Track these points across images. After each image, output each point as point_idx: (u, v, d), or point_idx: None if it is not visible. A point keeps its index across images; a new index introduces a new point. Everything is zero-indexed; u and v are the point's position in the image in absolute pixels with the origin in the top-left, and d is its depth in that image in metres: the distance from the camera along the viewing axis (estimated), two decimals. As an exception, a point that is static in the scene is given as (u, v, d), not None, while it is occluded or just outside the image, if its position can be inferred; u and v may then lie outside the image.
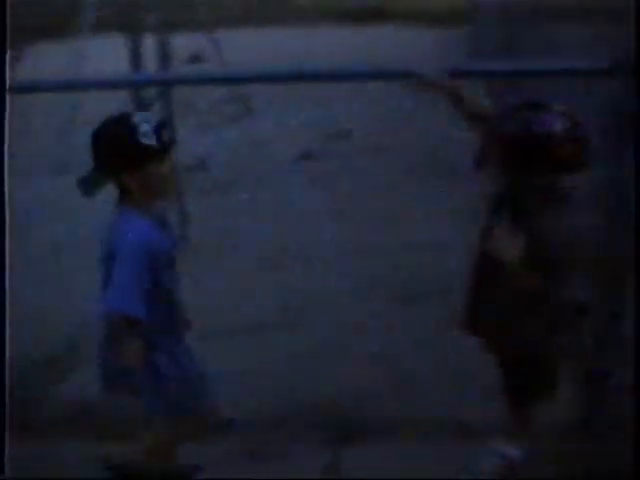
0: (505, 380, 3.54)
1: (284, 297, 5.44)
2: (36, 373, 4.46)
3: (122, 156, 2.95)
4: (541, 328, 3.27)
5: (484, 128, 3.21)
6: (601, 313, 3.81)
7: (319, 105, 4.56)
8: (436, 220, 6.48)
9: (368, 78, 3.67)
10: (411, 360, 4.60)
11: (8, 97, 2.96)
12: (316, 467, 3.78)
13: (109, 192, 3.08)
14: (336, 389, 4.36)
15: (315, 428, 4.01)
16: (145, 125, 2.92)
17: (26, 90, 3.74)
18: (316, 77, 3.77)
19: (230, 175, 7.79)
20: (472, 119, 3.40)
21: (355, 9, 17.70)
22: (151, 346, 3.12)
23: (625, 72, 3.35)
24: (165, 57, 5.58)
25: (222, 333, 4.67)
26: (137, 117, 2.97)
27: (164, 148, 2.97)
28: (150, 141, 2.91)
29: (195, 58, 12.75)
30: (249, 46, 12.69)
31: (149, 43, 5.60)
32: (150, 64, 5.44)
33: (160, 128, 2.96)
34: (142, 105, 5.25)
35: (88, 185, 3.08)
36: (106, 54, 8.30)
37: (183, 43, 9.63)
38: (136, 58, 5.20)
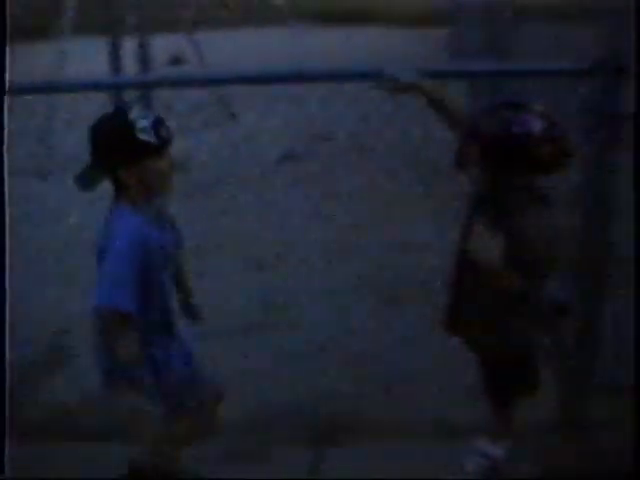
0: (487, 380, 3.54)
1: (268, 298, 5.44)
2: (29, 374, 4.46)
3: (120, 152, 2.93)
4: (522, 328, 3.27)
5: (463, 129, 3.22)
6: (581, 313, 3.83)
7: (299, 106, 4.55)
8: (419, 220, 6.50)
9: (346, 79, 3.68)
10: (395, 360, 4.60)
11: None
12: (300, 468, 3.77)
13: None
14: (320, 389, 4.37)
15: (299, 428, 4.01)
16: (143, 121, 2.91)
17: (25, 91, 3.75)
18: (297, 78, 3.77)
19: (212, 177, 7.78)
20: (449, 120, 3.41)
21: (337, 10, 17.74)
22: (147, 342, 3.11)
23: (605, 72, 3.36)
24: (145, 59, 5.57)
25: (206, 334, 4.66)
26: (135, 113, 2.95)
27: (162, 144, 2.95)
28: (148, 137, 2.90)
29: (175, 60, 12.75)
30: (230, 48, 12.70)
31: (130, 45, 5.59)
32: (130, 66, 5.43)
33: (158, 124, 2.94)
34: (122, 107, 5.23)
35: (85, 180, 3.07)
36: (87, 56, 8.28)
37: (163, 45, 9.62)
38: (116, 60, 5.19)
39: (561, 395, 4.03)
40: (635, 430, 3.03)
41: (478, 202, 3.21)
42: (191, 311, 3.57)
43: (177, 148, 3.09)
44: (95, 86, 4.03)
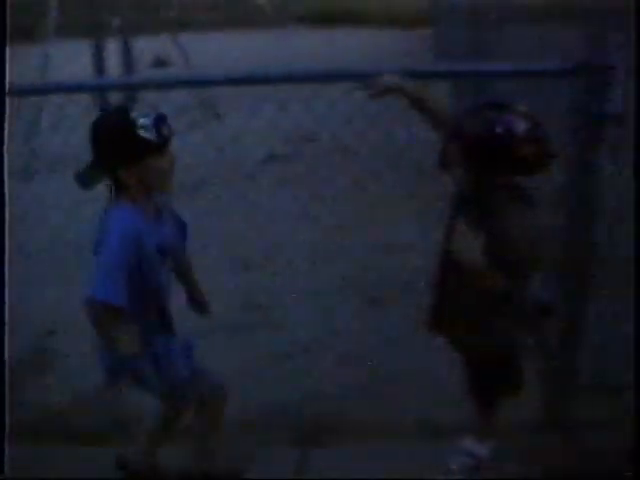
0: (471, 380, 3.56)
1: (253, 298, 5.44)
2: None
3: (121, 150, 2.93)
4: (506, 328, 3.29)
5: (447, 129, 3.23)
6: (565, 312, 3.85)
7: (283, 108, 4.56)
8: (403, 221, 6.52)
9: (332, 80, 3.69)
10: (380, 360, 4.61)
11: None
12: (284, 469, 3.78)
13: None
14: (305, 389, 4.37)
15: (283, 429, 4.01)
16: (144, 119, 2.91)
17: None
18: (283, 80, 3.78)
19: (197, 178, 7.77)
20: (433, 121, 3.43)
21: (322, 12, 17.77)
22: (147, 335, 3.12)
23: (589, 73, 3.38)
24: (130, 61, 5.57)
25: (190, 334, 4.66)
26: (136, 111, 2.95)
27: (163, 142, 2.95)
28: (149, 135, 2.90)
29: (160, 62, 12.72)
30: (215, 49, 12.70)
31: (114, 47, 5.59)
32: (115, 68, 5.43)
33: (159, 122, 2.94)
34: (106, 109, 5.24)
35: (85, 179, 3.07)
36: (71, 58, 8.27)
37: (148, 47, 9.62)
38: (100, 62, 5.19)
39: (545, 395, 4.04)
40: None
41: (461, 202, 3.22)
42: (198, 305, 3.59)
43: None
44: (79, 88, 4.03)
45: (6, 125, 2.90)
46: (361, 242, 6.24)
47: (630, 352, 3.22)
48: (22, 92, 4.07)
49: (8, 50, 2.91)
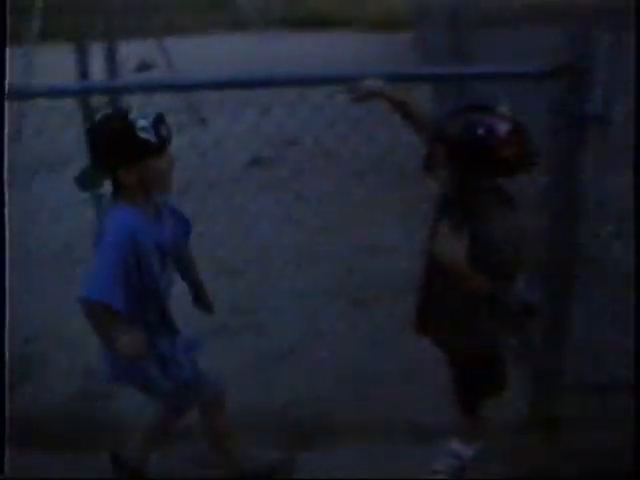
0: (456, 380, 3.57)
1: (237, 301, 5.44)
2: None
3: (120, 151, 2.94)
4: (490, 329, 3.30)
5: (429, 133, 3.25)
6: (549, 313, 3.87)
7: (267, 112, 4.57)
8: (387, 223, 6.53)
9: (315, 84, 3.70)
10: (365, 362, 4.62)
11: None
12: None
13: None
14: (290, 392, 4.38)
15: (269, 431, 4.02)
16: (143, 120, 2.92)
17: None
18: (266, 84, 3.79)
19: (182, 182, 7.75)
20: (415, 125, 3.45)
21: (304, 16, 17.78)
22: (151, 336, 3.16)
23: (571, 74, 3.40)
24: (113, 65, 5.56)
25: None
26: (135, 112, 2.96)
27: (162, 143, 2.97)
28: (148, 136, 2.91)
29: (144, 66, 12.71)
30: (198, 53, 12.70)
31: (97, 51, 5.58)
32: (98, 72, 5.42)
33: (158, 123, 2.95)
34: (90, 114, 5.22)
35: (85, 181, 3.08)
36: (55, 62, 8.25)
37: (132, 51, 9.60)
38: (84, 66, 5.17)
39: (529, 395, 4.06)
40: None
41: (445, 205, 3.23)
42: (203, 304, 3.60)
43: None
44: (63, 91, 4.03)
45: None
46: (345, 244, 6.25)
47: (612, 352, 3.26)
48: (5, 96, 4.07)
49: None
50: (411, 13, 15.40)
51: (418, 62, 12.45)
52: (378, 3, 18.08)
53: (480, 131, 2.95)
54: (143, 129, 2.91)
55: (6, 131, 2.90)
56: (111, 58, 5.54)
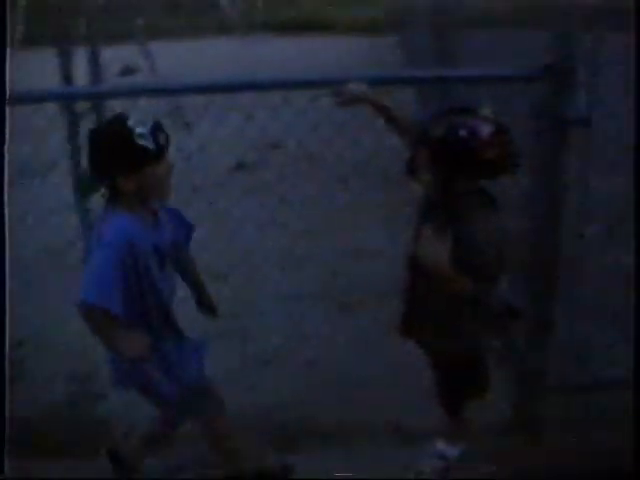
0: (440, 382, 3.59)
1: (222, 306, 5.43)
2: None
3: (120, 159, 2.94)
4: (473, 331, 3.31)
5: (412, 137, 3.26)
6: (532, 314, 3.88)
7: (249, 116, 4.57)
8: (371, 227, 6.54)
9: (298, 88, 3.71)
10: (350, 366, 4.63)
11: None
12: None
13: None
14: (275, 395, 4.38)
15: (254, 436, 4.02)
16: (141, 127, 2.92)
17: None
18: (250, 88, 3.79)
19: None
20: (397, 129, 3.47)
21: (288, 19, 17.77)
22: (155, 340, 3.17)
23: (554, 76, 3.41)
24: (97, 70, 5.55)
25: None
26: (132, 120, 2.96)
27: (161, 150, 2.97)
28: (147, 143, 2.92)
29: (128, 70, 12.67)
30: (182, 57, 12.68)
31: (81, 56, 5.57)
32: (82, 77, 5.41)
33: (156, 130, 2.96)
34: (74, 119, 5.21)
35: (84, 188, 3.08)
36: (38, 67, 8.22)
37: (115, 55, 9.57)
38: (68, 71, 5.16)
39: (513, 396, 4.07)
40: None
41: (429, 207, 3.24)
42: (207, 308, 3.62)
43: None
44: (47, 96, 4.02)
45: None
46: (330, 248, 6.26)
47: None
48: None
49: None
50: (395, 16, 15.41)
51: (402, 65, 12.45)
52: (362, 6, 18.10)
53: (462, 133, 2.96)
54: (141, 136, 2.91)
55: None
56: (94, 62, 5.53)
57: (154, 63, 10.94)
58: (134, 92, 4.11)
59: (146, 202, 3.11)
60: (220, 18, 17.88)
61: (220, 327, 5.14)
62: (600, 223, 4.79)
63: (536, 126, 3.57)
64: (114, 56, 7.59)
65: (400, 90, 4.02)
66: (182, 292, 3.51)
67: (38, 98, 3.92)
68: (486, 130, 2.97)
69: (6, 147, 2.91)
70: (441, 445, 3.74)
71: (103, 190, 3.09)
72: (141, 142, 2.91)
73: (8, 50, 2.92)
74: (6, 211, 2.91)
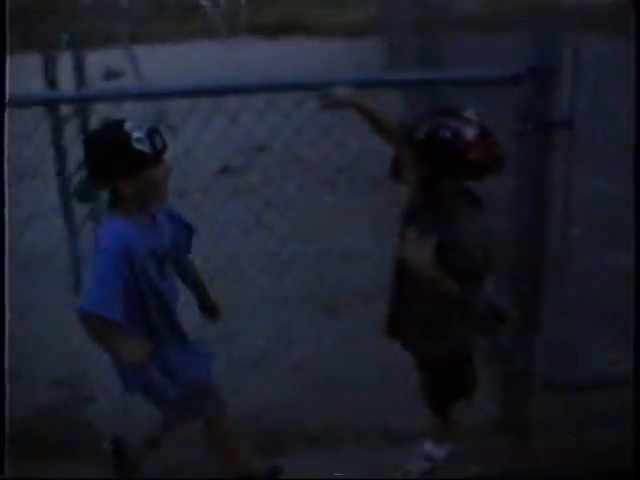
0: (426, 384, 3.60)
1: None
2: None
3: (117, 163, 2.95)
4: (460, 332, 3.32)
5: (397, 140, 3.27)
6: (519, 314, 3.89)
7: (234, 119, 4.59)
8: (357, 230, 6.55)
9: (283, 91, 3.71)
10: (337, 368, 4.63)
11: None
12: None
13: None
14: (262, 398, 4.38)
15: (242, 439, 4.01)
16: (138, 132, 2.93)
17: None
18: (234, 91, 3.79)
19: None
20: (382, 132, 3.48)
21: (272, 23, 17.77)
22: (157, 344, 3.18)
23: (537, 78, 3.43)
24: (81, 74, 5.54)
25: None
26: (129, 124, 2.96)
27: (158, 153, 2.98)
28: (144, 147, 2.92)
29: (112, 74, 12.65)
30: (167, 61, 12.67)
31: (65, 60, 5.56)
32: (66, 81, 5.40)
33: (152, 134, 2.97)
34: (58, 123, 5.20)
35: (83, 193, 3.08)
36: (22, 72, 8.21)
37: (100, 59, 9.56)
38: (52, 75, 5.15)
39: (500, 397, 4.08)
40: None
41: (414, 209, 3.26)
42: (209, 310, 3.61)
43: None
44: (31, 101, 4.01)
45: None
46: (316, 251, 6.26)
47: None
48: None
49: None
50: (380, 19, 15.44)
51: (388, 68, 12.47)
52: (346, 9, 18.14)
53: (447, 134, 2.97)
54: (139, 140, 2.92)
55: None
56: (79, 67, 5.52)
57: (138, 67, 10.93)
58: (119, 96, 4.11)
59: (145, 206, 3.12)
60: (204, 22, 17.88)
61: (206, 330, 5.15)
62: (583, 225, 4.81)
63: (521, 127, 3.58)
64: (99, 60, 7.59)
65: (386, 93, 4.02)
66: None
67: (22, 102, 3.91)
68: (470, 132, 2.98)
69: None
70: (428, 446, 3.75)
71: (100, 196, 3.10)
72: (138, 146, 2.91)
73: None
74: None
